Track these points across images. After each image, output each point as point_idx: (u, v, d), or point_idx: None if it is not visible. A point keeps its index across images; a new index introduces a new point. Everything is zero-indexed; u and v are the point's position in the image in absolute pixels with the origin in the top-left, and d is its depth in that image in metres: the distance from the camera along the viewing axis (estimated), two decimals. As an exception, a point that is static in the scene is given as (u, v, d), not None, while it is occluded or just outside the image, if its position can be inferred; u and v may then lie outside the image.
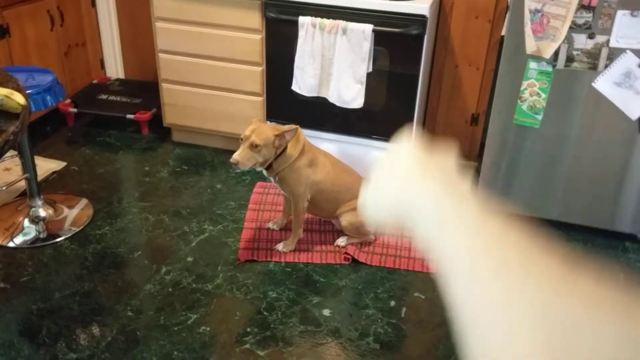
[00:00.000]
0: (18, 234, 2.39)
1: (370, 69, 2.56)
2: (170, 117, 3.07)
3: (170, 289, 2.14)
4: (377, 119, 2.73)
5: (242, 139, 2.10)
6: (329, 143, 2.84)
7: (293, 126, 2.15)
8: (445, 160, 0.51)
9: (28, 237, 2.38)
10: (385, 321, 2.05)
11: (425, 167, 0.50)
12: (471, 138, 3.00)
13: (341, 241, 2.40)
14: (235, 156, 2.07)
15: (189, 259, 2.29)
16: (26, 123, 1.18)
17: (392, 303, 2.14)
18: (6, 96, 1.17)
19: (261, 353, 1.89)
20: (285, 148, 2.15)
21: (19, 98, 1.18)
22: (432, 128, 3.03)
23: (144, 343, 1.90)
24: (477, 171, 2.72)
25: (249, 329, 1.98)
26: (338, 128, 2.80)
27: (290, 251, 2.35)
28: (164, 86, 3.00)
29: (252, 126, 2.11)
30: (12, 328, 1.93)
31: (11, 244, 2.34)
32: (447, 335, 1.99)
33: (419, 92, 2.63)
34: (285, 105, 2.81)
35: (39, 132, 3.17)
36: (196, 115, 3.02)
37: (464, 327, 0.37)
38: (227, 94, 2.92)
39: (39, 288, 2.11)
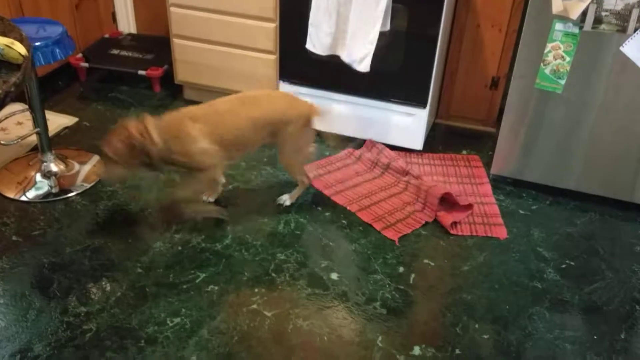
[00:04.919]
0: (30, 188, 2.40)
1: (388, 27, 2.47)
2: (181, 75, 3.02)
3: (179, 248, 2.14)
4: (393, 81, 2.66)
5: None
6: (343, 105, 2.78)
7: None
8: None
9: (40, 192, 2.39)
10: (393, 287, 2.04)
11: None
12: (490, 102, 2.91)
13: (285, 199, 2.38)
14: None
15: (199, 217, 2.29)
16: (28, 74, 1.15)
17: (401, 269, 2.12)
18: (7, 46, 1.13)
19: (268, 314, 1.89)
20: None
21: (19, 48, 1.14)
22: (450, 91, 2.94)
23: (153, 300, 1.91)
24: (495, 137, 2.66)
25: (256, 290, 1.98)
26: (353, 89, 2.73)
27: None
28: (176, 42, 2.93)
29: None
30: (24, 280, 1.95)
31: (24, 198, 2.35)
32: (455, 303, 1.98)
33: (437, 53, 2.54)
34: (299, 64, 2.74)
35: (50, 86, 3.15)
36: (208, 73, 2.96)
37: None
38: (239, 52, 2.86)
39: (50, 242, 2.12)
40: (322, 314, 1.91)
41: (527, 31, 2.26)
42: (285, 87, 2.82)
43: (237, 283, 2.00)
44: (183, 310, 1.88)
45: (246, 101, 2.15)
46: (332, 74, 2.72)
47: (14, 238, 2.12)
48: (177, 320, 1.85)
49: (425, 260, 2.16)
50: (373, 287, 2.03)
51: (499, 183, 2.60)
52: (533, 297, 2.02)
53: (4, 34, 1.20)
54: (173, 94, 3.16)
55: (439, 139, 2.93)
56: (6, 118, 2.43)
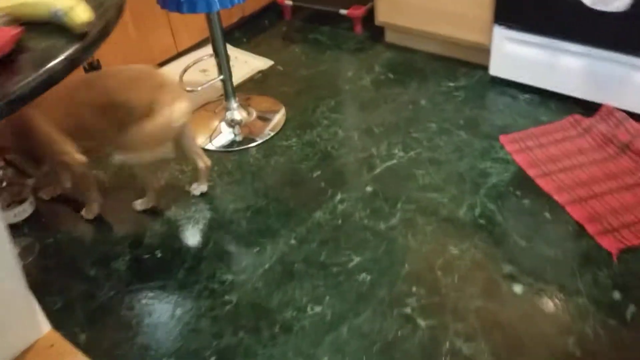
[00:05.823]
0: (217, 136, 2.38)
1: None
2: (382, 15, 2.67)
3: (339, 222, 1.90)
4: (652, 27, 1.92)
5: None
6: (574, 58, 2.13)
7: None
8: None
9: (225, 141, 2.36)
10: (600, 318, 1.50)
11: None
12: None
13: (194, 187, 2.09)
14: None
15: (368, 188, 2.00)
16: (97, 43, 0.96)
17: (617, 295, 1.55)
18: (70, 9, 0.93)
19: (422, 323, 1.56)
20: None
21: (81, 13, 0.92)
22: None
23: (299, 279, 1.73)
24: None
25: (414, 289, 1.65)
26: (591, 38, 2.06)
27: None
28: (379, -23, 2.58)
29: None
30: (183, 235, 1.94)
31: (210, 147, 2.34)
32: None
33: None
34: (521, 2, 2.16)
35: (256, 25, 3.10)
36: (412, 13, 2.55)
37: None
38: (449, -13, 2.38)
39: (217, 197, 2.07)
40: (491, 338, 1.50)
41: None
42: (502, 33, 2.27)
43: (394, 276, 1.70)
44: (327, 298, 1.66)
45: (83, 84, 1.82)
46: (564, 17, 2.08)
47: (186, 188, 2.12)
48: (318, 309, 1.64)
49: (657, 290, 1.56)
50: (570, 314, 1.52)
51: None
52: None
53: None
54: (374, 36, 2.85)
55: None
56: (194, 64, 2.42)
